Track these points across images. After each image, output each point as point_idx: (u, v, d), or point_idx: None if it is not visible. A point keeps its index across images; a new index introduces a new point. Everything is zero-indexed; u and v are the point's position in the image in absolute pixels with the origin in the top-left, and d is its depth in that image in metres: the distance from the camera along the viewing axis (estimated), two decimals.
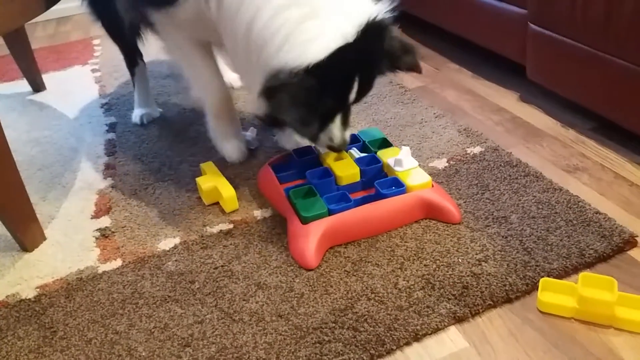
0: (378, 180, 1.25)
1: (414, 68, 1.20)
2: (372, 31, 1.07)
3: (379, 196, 1.21)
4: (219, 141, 1.46)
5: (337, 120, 1.18)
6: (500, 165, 1.39)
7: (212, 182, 1.34)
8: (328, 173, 1.27)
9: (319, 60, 1.02)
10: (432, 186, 1.25)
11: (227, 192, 1.31)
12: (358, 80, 1.11)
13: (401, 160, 1.27)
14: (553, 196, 1.26)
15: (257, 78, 1.09)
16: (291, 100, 1.04)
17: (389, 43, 1.13)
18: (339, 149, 1.24)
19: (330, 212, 1.17)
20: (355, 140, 1.41)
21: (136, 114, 1.77)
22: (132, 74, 1.76)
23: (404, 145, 1.36)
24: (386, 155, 1.32)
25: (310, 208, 1.17)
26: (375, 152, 1.34)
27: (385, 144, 1.40)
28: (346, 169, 1.27)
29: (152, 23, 1.36)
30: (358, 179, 1.28)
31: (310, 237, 1.13)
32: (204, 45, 1.36)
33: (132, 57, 1.73)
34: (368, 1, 1.11)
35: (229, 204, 1.31)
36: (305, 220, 1.16)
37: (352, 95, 1.13)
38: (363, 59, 1.09)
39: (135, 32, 1.58)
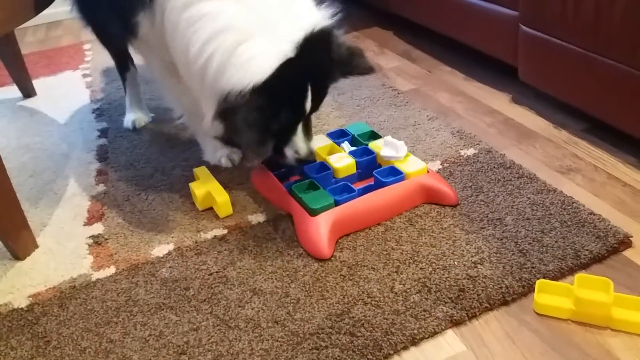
0: (377, 170, 1.28)
1: (367, 71, 1.22)
2: (313, 42, 1.08)
3: (380, 185, 1.25)
4: (209, 153, 1.50)
5: (299, 132, 1.20)
6: (494, 167, 1.39)
7: (205, 187, 1.33)
8: (325, 167, 1.31)
9: (264, 79, 1.04)
10: (428, 172, 1.29)
11: (221, 197, 1.30)
12: (310, 91, 1.12)
13: (396, 145, 1.30)
14: (547, 197, 1.26)
15: (209, 101, 1.12)
16: (243, 123, 1.05)
17: (336, 50, 1.15)
18: (307, 161, 1.25)
19: (337, 203, 1.19)
20: (344, 134, 1.46)
21: (128, 119, 1.76)
22: (124, 79, 1.75)
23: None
24: (377, 147, 1.36)
25: (318, 200, 1.19)
26: (367, 145, 1.38)
27: (373, 136, 1.44)
28: (342, 162, 1.31)
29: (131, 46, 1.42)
30: (354, 170, 1.32)
31: (322, 228, 1.15)
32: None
33: (123, 62, 1.73)
34: (307, 13, 1.11)
35: (223, 209, 1.30)
36: (314, 213, 1.17)
37: (307, 106, 1.14)
38: (309, 70, 1.10)
39: (124, 38, 1.57)
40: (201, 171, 1.40)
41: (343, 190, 1.25)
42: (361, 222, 1.22)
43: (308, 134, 1.23)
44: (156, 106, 1.87)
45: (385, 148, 1.33)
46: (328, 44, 1.13)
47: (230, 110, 1.05)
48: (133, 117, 1.75)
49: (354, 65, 1.19)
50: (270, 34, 1.06)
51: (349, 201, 1.21)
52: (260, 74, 1.04)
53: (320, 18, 1.11)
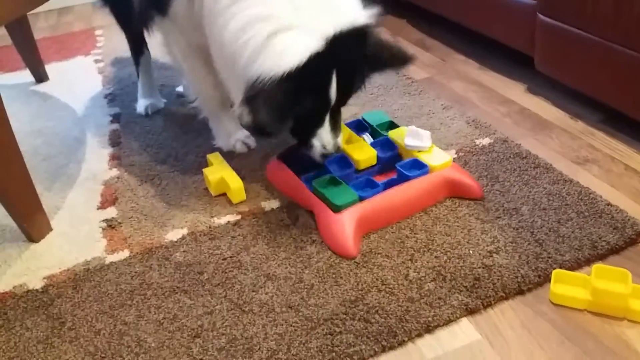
0: (399, 163, 1.26)
1: (403, 63, 1.22)
2: (346, 39, 1.09)
3: (403, 178, 1.22)
4: (221, 139, 1.50)
5: (326, 125, 1.20)
6: (510, 156, 1.37)
7: (219, 173, 1.33)
8: (346, 160, 1.28)
9: (292, 68, 1.05)
10: (452, 165, 1.27)
11: (234, 183, 1.29)
12: (337, 84, 1.13)
13: (420, 135, 1.29)
14: (564, 188, 1.25)
15: (238, 87, 1.14)
16: (266, 103, 1.06)
17: (371, 48, 1.15)
18: (332, 153, 1.24)
19: (361, 199, 1.17)
20: (362, 126, 1.44)
21: (140, 105, 1.76)
22: (137, 63, 1.75)
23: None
24: (397, 136, 1.33)
25: (341, 196, 1.16)
26: (387, 135, 1.36)
27: (392, 126, 1.42)
28: (363, 153, 1.29)
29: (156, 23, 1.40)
30: (375, 162, 1.30)
31: (347, 226, 1.13)
32: (207, 53, 1.34)
33: (138, 46, 1.72)
34: (347, 10, 1.12)
35: (237, 195, 1.30)
36: (337, 209, 1.15)
37: (332, 98, 1.15)
38: (338, 65, 1.11)
39: (144, 20, 1.56)
40: (215, 157, 1.39)
41: (366, 185, 1.22)
42: (387, 218, 1.19)
43: (336, 128, 1.22)
44: (169, 92, 1.87)
45: (409, 138, 1.30)
46: (362, 41, 1.14)
47: (257, 94, 1.07)
48: (146, 102, 1.75)
49: (387, 62, 1.20)
50: (305, 27, 1.08)
51: (373, 196, 1.18)
52: (289, 63, 1.06)
53: (359, 15, 1.12)
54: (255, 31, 1.08)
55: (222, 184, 1.33)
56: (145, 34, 1.65)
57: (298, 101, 1.10)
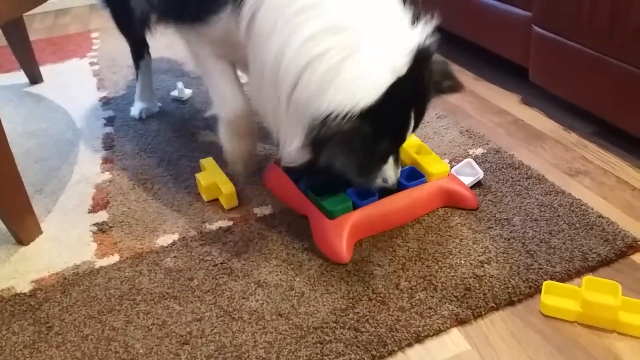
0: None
1: (457, 90, 1.14)
2: (421, 60, 0.97)
3: (400, 187, 1.21)
4: (229, 155, 1.34)
5: (391, 160, 1.11)
6: (503, 167, 1.38)
7: (211, 178, 1.32)
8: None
9: (373, 102, 0.92)
10: (448, 174, 1.27)
11: (226, 188, 1.29)
12: (413, 115, 1.02)
13: (474, 167, 1.33)
14: (555, 199, 1.25)
15: (291, 122, 0.99)
16: (346, 150, 0.93)
17: (434, 70, 1.05)
18: (391, 189, 1.16)
19: (356, 206, 1.17)
20: None
21: (136, 108, 1.75)
22: (137, 67, 1.73)
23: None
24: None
25: (335, 203, 1.16)
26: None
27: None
28: (436, 166, 1.27)
29: (176, 31, 1.28)
30: (447, 174, 1.29)
31: (341, 232, 1.12)
32: (229, 61, 1.28)
33: (140, 50, 1.71)
34: (409, 24, 1.00)
35: (229, 201, 1.29)
36: (332, 215, 1.14)
37: (409, 132, 1.05)
38: (416, 92, 1.00)
39: (145, 25, 1.55)
40: (208, 162, 1.39)
41: (362, 192, 1.21)
42: (380, 225, 1.19)
43: (397, 160, 1.14)
44: (163, 96, 1.86)
45: (463, 173, 1.32)
46: (429, 64, 1.01)
47: (331, 137, 0.92)
48: (142, 106, 1.74)
49: (446, 85, 1.10)
50: (381, 44, 0.95)
51: (368, 204, 1.17)
52: (369, 95, 0.92)
53: (422, 36, 0.99)
54: (323, 54, 0.92)
55: (214, 189, 1.32)
56: (148, 38, 1.65)
57: (378, 140, 0.98)
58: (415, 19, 1.01)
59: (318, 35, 0.93)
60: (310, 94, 0.94)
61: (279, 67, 0.97)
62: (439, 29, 1.03)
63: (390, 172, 1.12)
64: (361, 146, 0.95)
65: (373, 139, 0.97)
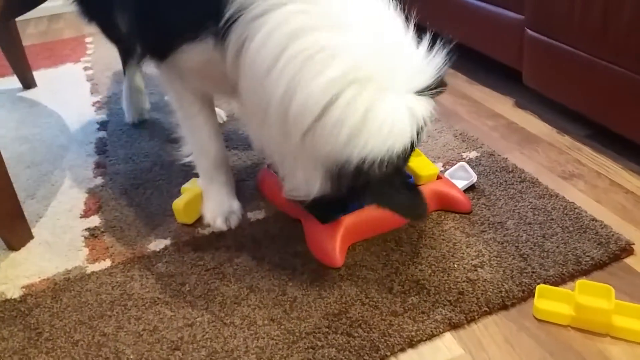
0: None
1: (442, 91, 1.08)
2: (435, 94, 0.96)
3: None
4: (209, 208, 1.25)
5: None
6: (496, 170, 1.38)
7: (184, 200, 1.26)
8: None
9: (406, 145, 0.91)
10: (440, 178, 1.27)
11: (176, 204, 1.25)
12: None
13: (467, 170, 1.33)
14: (549, 202, 1.25)
15: (306, 161, 0.95)
16: (390, 192, 0.94)
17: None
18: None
19: (348, 210, 1.16)
20: None
21: (126, 112, 1.73)
22: (125, 64, 1.71)
23: None
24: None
25: (328, 207, 1.13)
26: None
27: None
28: (426, 169, 1.27)
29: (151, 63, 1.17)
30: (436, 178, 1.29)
31: (334, 236, 1.12)
32: (207, 98, 1.21)
33: (129, 57, 1.68)
34: (423, 56, 0.95)
35: (178, 215, 1.25)
36: (324, 220, 1.14)
37: None
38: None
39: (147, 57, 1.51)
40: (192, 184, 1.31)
41: None
42: (374, 229, 1.18)
43: None
44: (156, 101, 1.86)
45: (456, 176, 1.32)
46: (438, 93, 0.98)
47: (370, 181, 0.90)
48: (131, 110, 1.72)
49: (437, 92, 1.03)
50: (400, 91, 0.90)
51: (360, 208, 1.16)
52: (402, 140, 0.90)
53: (435, 65, 0.95)
54: (347, 101, 0.86)
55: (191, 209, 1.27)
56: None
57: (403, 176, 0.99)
58: (428, 46, 0.97)
59: (337, 79, 0.86)
60: (334, 138, 0.88)
61: (289, 106, 0.89)
62: (425, 29, 1.00)
63: None
64: (402, 185, 0.96)
65: (404, 172, 0.99)
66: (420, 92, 0.92)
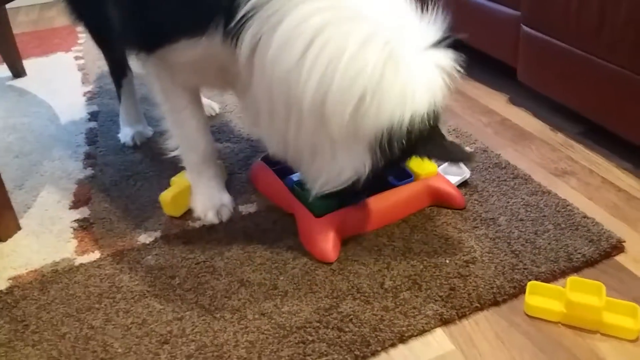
0: None
1: None
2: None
3: (389, 186, 1.21)
4: (199, 202, 1.25)
5: None
6: (489, 166, 1.37)
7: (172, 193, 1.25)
8: None
9: (444, 95, 0.99)
10: (436, 174, 1.27)
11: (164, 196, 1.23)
12: None
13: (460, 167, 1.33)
14: (541, 199, 1.25)
15: (349, 147, 0.97)
16: (440, 142, 1.00)
17: None
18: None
19: (343, 205, 1.15)
20: None
21: (126, 134, 1.55)
22: (119, 85, 1.54)
23: None
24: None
25: (322, 201, 1.13)
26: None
27: None
28: (423, 167, 1.26)
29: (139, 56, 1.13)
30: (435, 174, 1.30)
31: (328, 231, 1.11)
32: (194, 92, 1.19)
33: (120, 68, 1.52)
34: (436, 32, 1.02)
35: (166, 207, 1.24)
36: (318, 214, 1.13)
37: None
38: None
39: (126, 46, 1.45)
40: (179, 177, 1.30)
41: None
42: (368, 224, 1.18)
43: None
44: (146, 93, 1.83)
45: (450, 172, 1.32)
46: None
47: (420, 136, 0.95)
48: (132, 131, 1.55)
49: None
50: (425, 52, 0.97)
51: (355, 203, 1.16)
52: (440, 89, 0.97)
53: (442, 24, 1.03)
54: (387, 77, 0.91)
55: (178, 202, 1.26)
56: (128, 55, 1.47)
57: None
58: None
59: (372, 60, 0.90)
60: (386, 110, 0.92)
61: (326, 95, 0.91)
62: None
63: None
64: (442, 134, 1.01)
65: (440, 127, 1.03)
66: (437, 45, 0.99)
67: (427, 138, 0.98)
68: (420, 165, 1.24)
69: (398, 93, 0.92)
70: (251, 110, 1.07)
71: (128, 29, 1.09)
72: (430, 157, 1.06)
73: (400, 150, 0.96)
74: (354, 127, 0.94)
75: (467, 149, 1.07)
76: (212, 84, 1.19)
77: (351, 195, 1.11)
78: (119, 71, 1.53)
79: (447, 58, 0.99)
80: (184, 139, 1.22)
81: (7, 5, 1.93)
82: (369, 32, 0.90)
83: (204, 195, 1.25)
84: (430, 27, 1.00)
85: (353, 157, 0.98)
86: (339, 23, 0.90)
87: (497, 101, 1.72)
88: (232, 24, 0.92)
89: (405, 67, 0.93)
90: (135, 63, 1.18)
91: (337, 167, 1.00)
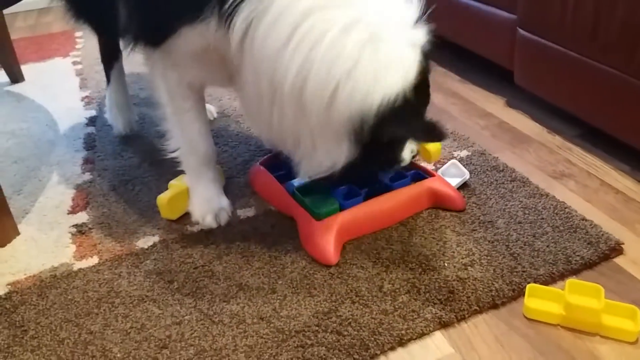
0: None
1: None
2: (430, 41, 1.03)
3: (384, 187, 1.21)
4: (197, 205, 1.24)
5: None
6: (487, 169, 1.38)
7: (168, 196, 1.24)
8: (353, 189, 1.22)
9: (412, 78, 0.96)
10: (434, 175, 1.27)
11: (161, 198, 1.23)
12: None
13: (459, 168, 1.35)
14: (539, 202, 1.25)
15: (329, 132, 0.97)
16: (405, 121, 0.97)
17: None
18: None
19: (342, 207, 1.15)
20: None
21: (116, 120, 1.59)
22: (110, 67, 1.56)
23: None
24: None
25: (322, 204, 1.14)
26: None
27: None
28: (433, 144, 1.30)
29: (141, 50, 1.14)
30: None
31: (329, 234, 1.11)
32: (200, 93, 1.19)
33: (113, 49, 1.53)
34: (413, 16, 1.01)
35: (163, 210, 1.24)
36: (318, 217, 1.13)
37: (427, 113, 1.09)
38: (427, 73, 1.05)
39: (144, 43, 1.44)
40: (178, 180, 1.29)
41: (348, 193, 1.20)
42: (368, 226, 1.18)
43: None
44: (146, 97, 1.84)
45: (449, 174, 1.32)
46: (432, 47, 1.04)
47: (387, 117, 0.94)
48: (122, 118, 1.58)
49: None
50: (400, 34, 0.97)
51: (355, 205, 1.16)
52: (408, 75, 0.96)
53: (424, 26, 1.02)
54: (358, 56, 0.91)
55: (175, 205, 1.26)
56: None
57: (421, 109, 1.05)
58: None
59: (353, 47, 0.91)
60: (359, 95, 0.92)
61: (306, 81, 0.92)
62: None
63: (407, 152, 1.14)
64: (416, 111, 1.00)
65: (417, 109, 1.02)
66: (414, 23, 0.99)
67: (399, 121, 0.96)
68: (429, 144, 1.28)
69: (370, 77, 0.92)
70: (243, 97, 1.08)
71: (134, 24, 1.09)
72: (406, 139, 1.06)
73: (373, 134, 0.95)
74: (330, 115, 0.94)
75: (439, 126, 1.02)
76: (215, 78, 1.19)
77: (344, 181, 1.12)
78: (112, 54, 1.55)
79: (420, 36, 0.99)
80: (185, 141, 1.22)
81: (5, 11, 1.93)
82: (352, 18, 0.91)
83: (202, 199, 1.25)
84: (411, 10, 1.00)
85: (330, 145, 0.98)
86: (325, 9, 0.91)
87: (494, 104, 1.72)
88: (225, 7, 0.93)
89: (383, 52, 0.92)
90: (146, 65, 1.19)
91: (317, 155, 1.01)
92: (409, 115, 0.98)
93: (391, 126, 0.96)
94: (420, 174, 1.28)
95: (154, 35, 1.07)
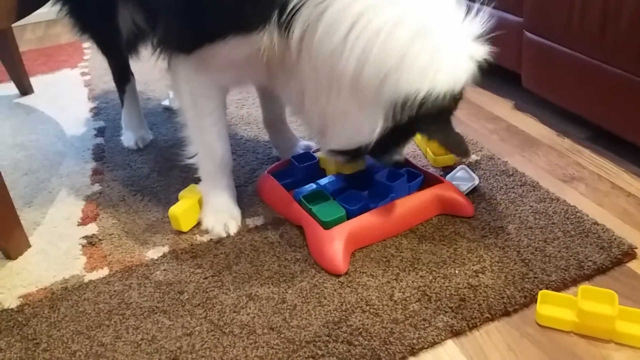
0: (378, 173, 1.24)
1: None
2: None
3: (382, 187, 1.21)
4: (209, 214, 1.26)
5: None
6: (496, 174, 1.37)
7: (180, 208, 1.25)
8: (356, 195, 1.23)
9: (463, 84, 1.04)
10: (443, 182, 1.27)
11: (173, 210, 1.23)
12: None
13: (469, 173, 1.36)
14: (550, 206, 1.24)
15: (372, 107, 1.03)
16: (444, 124, 1.06)
17: None
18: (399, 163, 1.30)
19: (348, 212, 1.16)
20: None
21: (129, 138, 1.61)
22: (123, 91, 1.61)
23: None
24: None
25: (329, 212, 1.15)
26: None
27: None
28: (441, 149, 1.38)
29: (169, 60, 1.17)
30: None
31: (337, 242, 1.11)
32: (223, 97, 1.22)
33: (124, 73, 1.59)
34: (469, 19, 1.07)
35: (175, 222, 1.25)
36: (326, 226, 1.13)
37: None
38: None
39: (132, 46, 1.50)
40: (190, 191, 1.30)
41: (351, 198, 1.20)
42: (377, 234, 1.17)
43: None
44: (154, 107, 1.85)
45: (458, 179, 1.33)
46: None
47: (430, 112, 1.01)
48: (135, 135, 1.61)
49: None
50: (460, 40, 1.04)
51: (361, 210, 1.16)
52: (461, 78, 1.03)
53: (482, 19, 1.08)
54: (416, 51, 0.98)
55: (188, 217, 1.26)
56: (130, 60, 1.59)
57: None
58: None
59: (405, 37, 0.98)
60: (403, 83, 0.99)
61: (364, 67, 1.00)
62: None
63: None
64: (448, 116, 1.07)
65: (450, 112, 1.09)
66: (476, 39, 1.06)
67: (434, 118, 1.02)
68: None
69: (419, 70, 0.98)
70: (296, 93, 1.13)
71: (171, 30, 1.13)
72: (430, 138, 1.13)
73: (407, 120, 1.01)
74: (379, 94, 1.02)
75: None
76: (253, 79, 1.24)
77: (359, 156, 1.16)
78: (122, 76, 1.60)
79: (480, 52, 1.06)
80: (204, 145, 1.25)
81: (13, 24, 1.95)
82: (400, 15, 0.98)
83: (214, 208, 1.26)
84: (471, 21, 1.06)
85: (371, 118, 1.04)
86: (376, 8, 0.98)
87: (502, 108, 1.71)
88: (283, 18, 1.00)
89: (432, 47, 0.99)
90: (169, 69, 1.21)
91: (357, 126, 1.07)
92: (443, 115, 1.05)
93: (427, 122, 1.03)
94: (414, 172, 1.27)
95: (191, 44, 1.10)
